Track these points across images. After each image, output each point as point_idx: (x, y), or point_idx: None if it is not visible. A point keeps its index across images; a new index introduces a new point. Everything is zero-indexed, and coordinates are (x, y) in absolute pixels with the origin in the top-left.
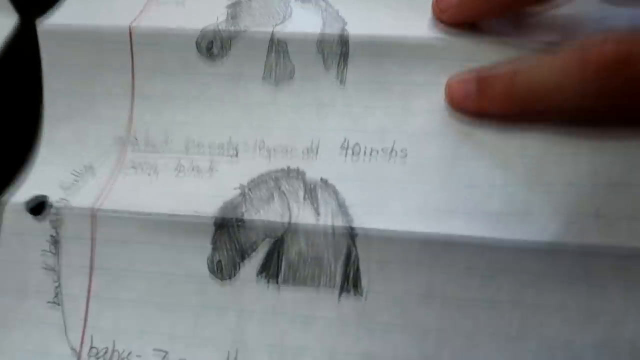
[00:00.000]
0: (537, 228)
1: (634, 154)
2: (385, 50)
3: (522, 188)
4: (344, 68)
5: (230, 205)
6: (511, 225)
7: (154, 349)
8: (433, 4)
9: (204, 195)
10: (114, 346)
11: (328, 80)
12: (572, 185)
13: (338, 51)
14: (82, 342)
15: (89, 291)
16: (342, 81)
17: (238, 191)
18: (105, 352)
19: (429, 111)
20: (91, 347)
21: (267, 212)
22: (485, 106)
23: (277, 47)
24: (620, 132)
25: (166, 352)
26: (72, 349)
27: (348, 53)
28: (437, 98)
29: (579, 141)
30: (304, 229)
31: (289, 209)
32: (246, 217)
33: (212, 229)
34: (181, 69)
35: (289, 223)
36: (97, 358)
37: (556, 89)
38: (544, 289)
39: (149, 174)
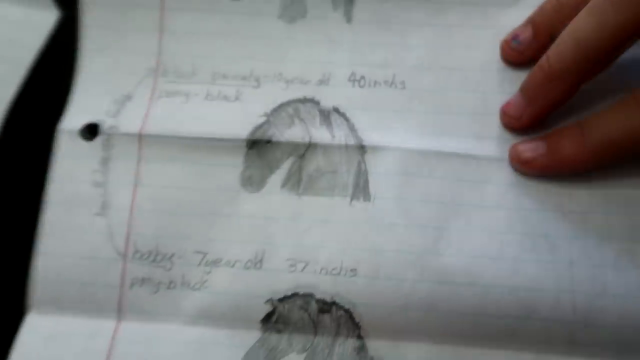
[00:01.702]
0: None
1: None
2: None
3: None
4: (350, 8)
5: (259, 129)
6: (491, 142)
7: (194, 251)
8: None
9: (233, 120)
10: (157, 249)
11: (336, 19)
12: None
13: None
14: (126, 247)
15: (132, 203)
16: (349, 20)
17: (264, 118)
18: (149, 255)
19: (425, 47)
20: (135, 251)
21: (290, 135)
22: (557, 165)
23: None
24: None
25: (205, 253)
26: (118, 253)
27: None
28: (431, 36)
29: None
30: (321, 147)
31: (308, 131)
32: (273, 138)
33: (244, 148)
34: (206, 6)
35: (309, 143)
36: (142, 260)
37: (629, 131)
38: (522, 194)
39: (181, 102)
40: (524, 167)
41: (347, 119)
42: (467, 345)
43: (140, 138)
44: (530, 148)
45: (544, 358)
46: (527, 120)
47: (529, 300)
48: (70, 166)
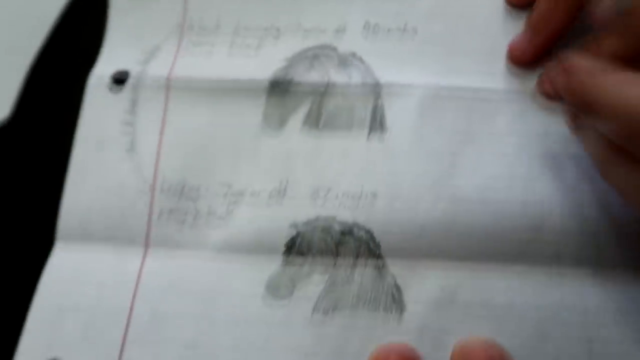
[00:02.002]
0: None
1: None
2: None
3: None
4: None
5: (280, 72)
6: (500, 77)
7: (219, 183)
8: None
9: (255, 66)
10: (184, 182)
11: None
12: None
13: None
14: (154, 180)
15: (160, 141)
16: None
17: (284, 63)
18: (177, 187)
19: None
20: (163, 183)
21: (309, 77)
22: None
23: None
24: None
25: (230, 185)
26: (146, 185)
27: None
28: None
29: None
30: (339, 87)
31: (327, 73)
32: (293, 80)
33: (266, 90)
34: None
35: (327, 83)
36: (169, 192)
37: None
38: (530, 122)
39: (206, 52)
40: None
41: (363, 62)
42: (481, 262)
43: (168, 82)
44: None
45: (555, 271)
46: (532, 51)
47: (538, 214)
48: (101, 108)
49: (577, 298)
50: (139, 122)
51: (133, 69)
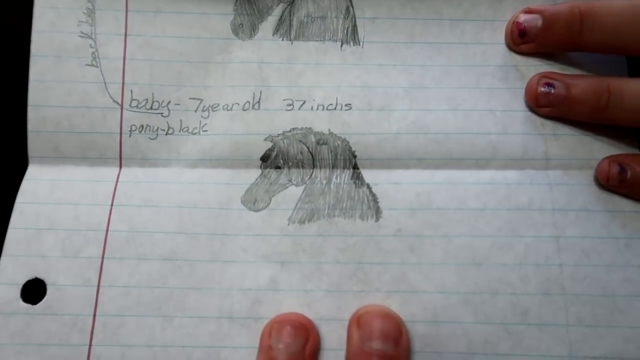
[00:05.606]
0: None
1: None
2: None
3: None
4: None
5: None
6: None
7: (190, 98)
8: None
9: None
10: (153, 97)
11: None
12: None
13: None
14: (122, 95)
15: (124, 53)
16: None
17: None
18: (146, 102)
19: None
20: (132, 99)
21: None
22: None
23: None
24: None
25: (201, 100)
26: (114, 101)
27: None
28: None
29: None
30: None
31: None
32: None
33: None
34: None
35: None
36: (139, 108)
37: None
38: (498, 29)
39: None
40: (516, 35)
41: None
42: (453, 168)
43: None
44: (528, 18)
45: (523, 174)
46: None
47: (504, 121)
48: (53, 18)
49: (546, 199)
50: (99, 32)
51: None
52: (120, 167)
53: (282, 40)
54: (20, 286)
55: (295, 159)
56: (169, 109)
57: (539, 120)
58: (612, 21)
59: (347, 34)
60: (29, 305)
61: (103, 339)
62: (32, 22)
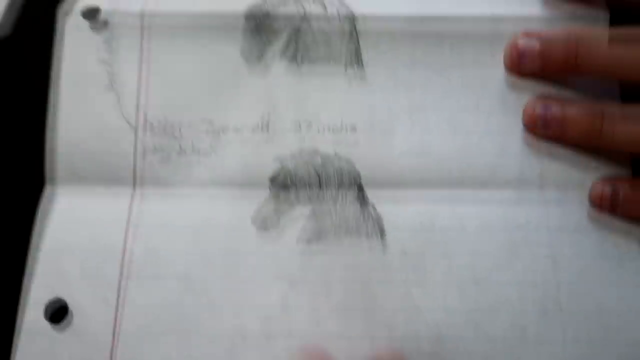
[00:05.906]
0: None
1: None
2: None
3: None
4: None
5: (255, 5)
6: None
7: (201, 119)
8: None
9: (230, 1)
10: (165, 119)
11: None
12: None
13: None
14: (137, 118)
15: (139, 78)
16: None
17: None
18: (159, 125)
19: None
20: (145, 122)
21: (284, 9)
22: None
23: None
24: None
25: (211, 121)
26: (129, 124)
27: None
28: None
29: None
30: (315, 18)
31: (302, 5)
32: (270, 12)
33: (242, 23)
34: None
35: (304, 14)
36: (152, 130)
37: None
38: (498, 51)
39: None
40: (514, 58)
41: None
42: (454, 189)
43: (142, 16)
44: (526, 41)
45: (520, 195)
46: None
47: (503, 140)
48: (74, 46)
49: (542, 219)
50: (116, 58)
51: (103, 3)
52: (135, 188)
53: (289, 64)
54: (44, 306)
55: (303, 180)
56: (181, 132)
57: (535, 141)
58: (605, 47)
59: (350, 57)
60: (52, 325)
61: (122, 358)
62: (52, 49)
